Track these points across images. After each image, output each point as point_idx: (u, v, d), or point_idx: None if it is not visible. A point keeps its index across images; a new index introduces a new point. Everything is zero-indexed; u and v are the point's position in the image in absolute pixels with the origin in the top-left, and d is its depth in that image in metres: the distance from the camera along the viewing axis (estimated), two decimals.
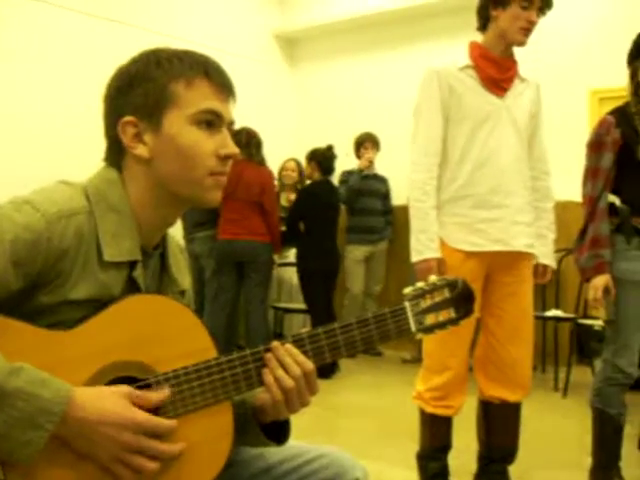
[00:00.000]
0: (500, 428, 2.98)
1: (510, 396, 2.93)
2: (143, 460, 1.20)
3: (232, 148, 1.36)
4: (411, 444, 3.08)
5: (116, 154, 1.36)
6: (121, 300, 1.27)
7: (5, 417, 1.10)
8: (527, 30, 2.78)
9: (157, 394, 1.24)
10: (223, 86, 1.36)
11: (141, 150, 1.32)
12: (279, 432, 1.44)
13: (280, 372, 1.33)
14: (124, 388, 1.21)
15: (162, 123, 1.32)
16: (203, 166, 1.33)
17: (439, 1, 6.83)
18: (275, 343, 1.34)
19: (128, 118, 1.32)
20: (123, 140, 1.33)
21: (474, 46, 2.89)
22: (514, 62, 2.88)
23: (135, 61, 1.36)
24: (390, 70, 7.30)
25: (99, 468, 1.20)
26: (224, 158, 1.35)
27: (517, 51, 2.89)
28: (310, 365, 1.35)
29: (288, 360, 1.33)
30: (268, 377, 1.33)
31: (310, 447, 1.52)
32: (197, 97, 1.33)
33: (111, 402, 1.18)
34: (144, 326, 1.27)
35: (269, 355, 1.34)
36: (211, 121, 1.34)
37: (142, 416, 1.20)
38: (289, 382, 1.33)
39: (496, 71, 2.83)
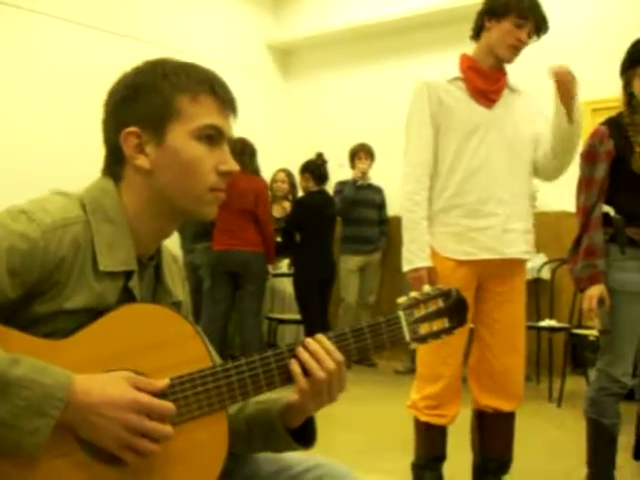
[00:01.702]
0: (494, 437, 2.98)
1: (504, 405, 2.93)
2: (146, 442, 1.20)
3: (232, 165, 1.37)
4: (405, 456, 3.07)
5: (115, 163, 1.36)
6: (116, 309, 1.27)
7: (10, 407, 1.10)
8: (515, 48, 2.81)
9: (159, 382, 1.24)
10: (227, 102, 1.37)
11: (142, 161, 1.32)
12: (304, 437, 1.46)
13: (313, 364, 1.34)
14: (125, 372, 1.22)
15: (165, 136, 1.32)
16: (204, 181, 1.34)
17: (432, 13, 6.86)
18: (308, 339, 1.37)
19: (131, 129, 1.32)
20: (125, 150, 1.32)
21: (464, 58, 2.92)
22: (504, 74, 2.90)
23: (141, 71, 1.35)
24: (384, 81, 7.32)
25: (88, 459, 1.20)
26: (224, 174, 1.36)
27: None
28: (340, 356, 1.37)
29: (322, 353, 1.35)
30: (296, 367, 1.35)
31: (306, 457, 1.51)
32: (201, 112, 1.33)
33: (114, 385, 1.19)
34: (139, 335, 1.27)
35: (301, 349, 1.35)
36: (212, 136, 1.34)
37: (145, 397, 1.20)
38: (321, 374, 1.34)
39: (484, 82, 2.85)
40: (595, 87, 5.76)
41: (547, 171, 2.93)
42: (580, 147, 2.91)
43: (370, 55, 7.53)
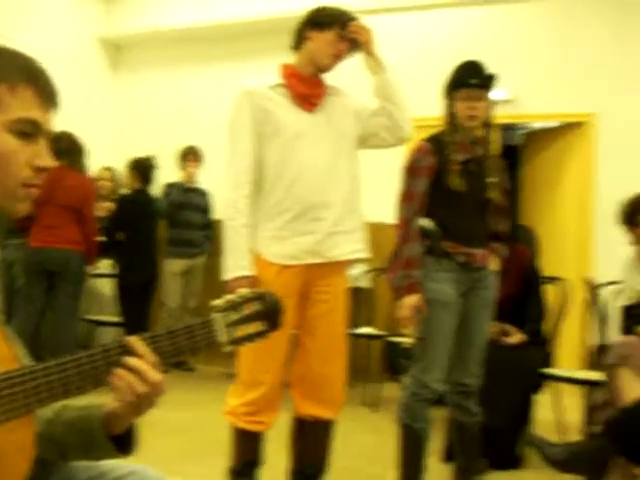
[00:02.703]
0: (313, 445, 3.02)
1: (324, 413, 2.97)
2: None
3: (48, 161, 1.29)
4: (221, 460, 3.05)
5: None
6: None
7: None
8: (336, 57, 2.90)
9: None
10: (48, 95, 1.29)
11: None
12: (124, 444, 1.39)
13: (133, 378, 1.27)
14: None
15: None
16: (16, 176, 1.25)
17: (266, 20, 6.91)
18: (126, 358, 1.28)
19: None
20: None
21: (285, 66, 2.97)
22: (323, 82, 2.97)
23: None
24: (215, 84, 7.28)
25: None
26: (38, 170, 1.28)
27: (338, 78, 2.98)
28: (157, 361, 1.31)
29: (144, 367, 1.28)
30: (120, 382, 1.27)
31: (118, 465, 1.46)
32: (18, 104, 1.24)
33: None
34: None
35: (119, 369, 1.27)
36: (29, 131, 1.26)
37: None
38: (143, 388, 1.28)
39: (306, 87, 2.91)
40: (419, 106, 6.03)
41: (390, 134, 2.99)
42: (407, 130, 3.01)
43: (203, 57, 7.47)
